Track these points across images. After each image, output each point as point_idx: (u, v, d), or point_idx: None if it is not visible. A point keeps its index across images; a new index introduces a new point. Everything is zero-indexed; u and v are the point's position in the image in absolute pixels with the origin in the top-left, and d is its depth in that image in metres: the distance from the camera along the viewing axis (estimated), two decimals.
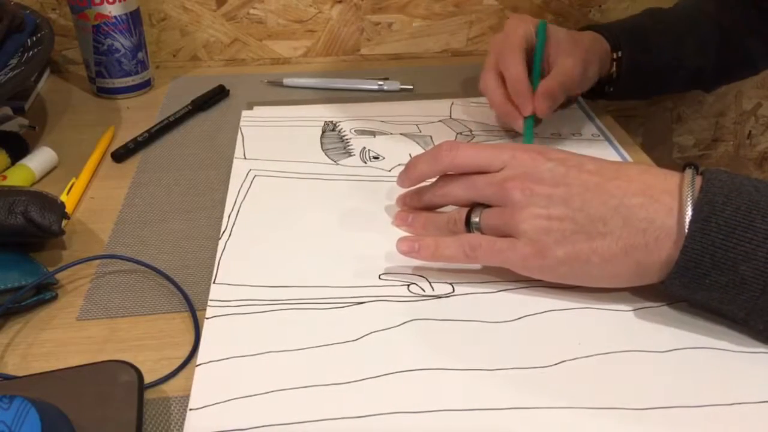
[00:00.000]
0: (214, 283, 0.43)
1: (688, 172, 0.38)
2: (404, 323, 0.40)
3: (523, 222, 0.40)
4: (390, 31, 0.77)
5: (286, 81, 0.71)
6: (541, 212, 0.40)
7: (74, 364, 0.35)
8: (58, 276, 0.44)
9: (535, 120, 0.55)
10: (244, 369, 0.37)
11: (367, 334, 0.39)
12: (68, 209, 0.48)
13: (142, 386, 0.34)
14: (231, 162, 0.57)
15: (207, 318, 0.40)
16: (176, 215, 0.51)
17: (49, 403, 0.30)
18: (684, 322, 0.40)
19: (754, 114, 0.93)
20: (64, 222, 0.45)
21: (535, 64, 0.57)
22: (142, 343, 0.40)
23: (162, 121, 0.62)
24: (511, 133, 0.61)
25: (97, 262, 0.46)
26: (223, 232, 0.48)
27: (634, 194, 0.38)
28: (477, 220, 0.43)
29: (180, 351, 0.39)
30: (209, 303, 0.41)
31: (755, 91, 0.91)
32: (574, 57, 0.57)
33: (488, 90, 0.58)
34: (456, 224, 0.44)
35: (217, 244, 0.47)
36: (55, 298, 0.43)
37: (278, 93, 0.70)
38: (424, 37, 0.78)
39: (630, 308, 0.41)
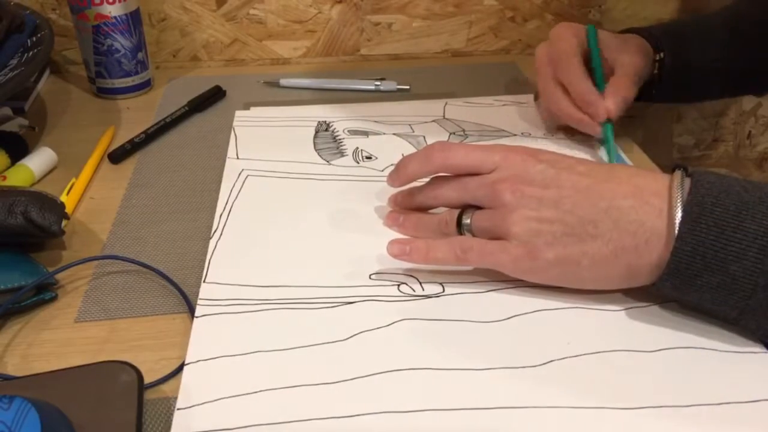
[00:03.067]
0: (204, 282, 0.43)
1: (677, 173, 0.38)
2: (394, 323, 0.40)
3: (514, 224, 0.40)
4: (390, 31, 0.77)
5: (283, 81, 0.71)
6: (532, 214, 0.40)
7: (74, 365, 0.35)
8: (58, 276, 0.44)
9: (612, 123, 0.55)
10: (232, 368, 0.37)
11: (356, 334, 0.39)
12: (68, 209, 0.48)
13: (142, 386, 0.34)
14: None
15: (196, 317, 0.40)
16: (174, 216, 0.51)
17: (49, 403, 0.30)
18: (673, 322, 0.40)
19: (754, 114, 0.93)
20: (64, 222, 0.45)
21: (596, 69, 0.56)
22: (142, 343, 0.40)
23: (158, 122, 0.62)
24: (504, 132, 0.61)
25: (96, 262, 0.46)
26: (214, 231, 0.48)
27: (625, 196, 0.38)
28: (468, 221, 0.43)
29: (180, 351, 0.39)
30: (199, 302, 0.41)
31: None
32: (631, 53, 0.57)
33: (555, 102, 0.57)
34: (447, 226, 0.44)
35: None
36: (54, 298, 0.43)
37: (275, 93, 0.70)
38: (424, 38, 0.78)
39: (619, 308, 0.41)
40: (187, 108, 0.65)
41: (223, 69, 0.76)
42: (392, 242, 0.43)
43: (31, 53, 0.57)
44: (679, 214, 0.36)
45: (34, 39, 0.59)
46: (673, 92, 0.62)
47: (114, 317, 0.41)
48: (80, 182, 0.54)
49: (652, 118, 0.91)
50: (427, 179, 0.47)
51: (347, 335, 0.39)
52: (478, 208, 0.43)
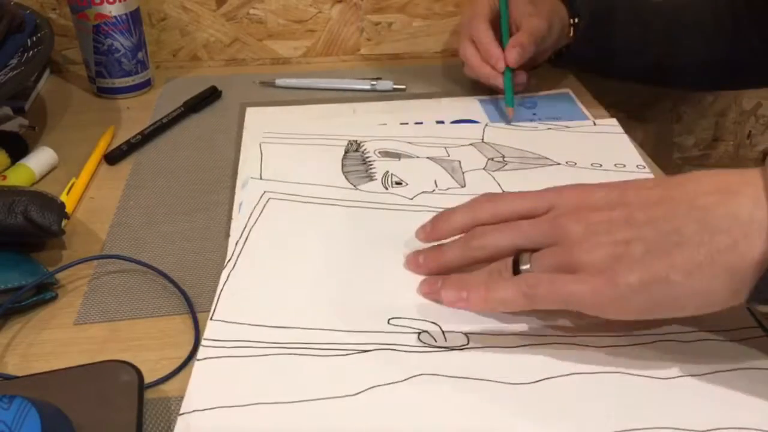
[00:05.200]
0: (210, 319, 0.40)
1: None
2: (410, 378, 0.36)
3: (585, 252, 0.35)
4: (390, 31, 0.77)
5: (279, 81, 0.71)
6: (604, 239, 0.35)
7: (74, 364, 0.35)
8: (58, 276, 0.44)
9: (512, 72, 0.62)
10: (231, 422, 0.34)
11: (368, 389, 0.36)
12: (68, 209, 0.48)
13: (142, 386, 0.34)
14: (224, 163, 0.57)
15: (198, 360, 0.38)
16: (172, 216, 0.51)
17: (49, 403, 0.30)
18: (732, 399, 0.35)
19: (754, 114, 0.93)
20: (63, 222, 0.45)
21: (503, 27, 0.63)
22: (142, 343, 0.40)
23: (154, 123, 0.62)
24: (547, 161, 0.57)
25: (96, 262, 0.46)
26: (228, 260, 0.45)
27: (707, 193, 0.34)
28: (528, 266, 0.37)
29: (180, 351, 0.39)
30: (202, 342, 0.39)
31: (755, 91, 0.91)
32: (538, 16, 0.62)
33: (468, 58, 0.64)
34: (501, 275, 0.38)
35: (213, 245, 0.47)
36: (55, 298, 0.43)
37: (271, 94, 0.70)
38: (424, 37, 0.78)
39: (671, 376, 0.37)
40: (183, 109, 0.65)
41: (223, 69, 0.76)
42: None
43: (31, 53, 0.57)
44: None
45: (34, 39, 0.59)
46: (583, 58, 0.67)
47: (114, 317, 0.41)
48: (80, 182, 0.54)
49: (652, 118, 0.91)
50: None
51: (358, 389, 0.36)
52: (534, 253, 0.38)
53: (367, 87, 0.70)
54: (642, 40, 0.65)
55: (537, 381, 0.36)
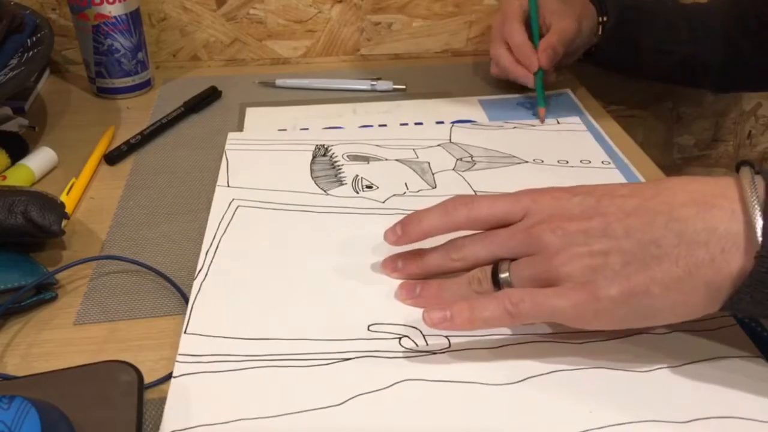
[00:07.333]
0: (184, 332, 0.39)
1: (745, 170, 0.33)
2: (394, 384, 0.36)
3: (563, 264, 0.35)
4: (390, 31, 0.77)
5: (279, 82, 0.71)
6: (582, 250, 0.35)
7: (74, 364, 0.35)
8: (58, 276, 0.44)
9: (544, 73, 0.63)
10: None
11: (352, 398, 0.35)
12: (68, 209, 0.48)
13: (142, 386, 0.34)
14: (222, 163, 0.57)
15: (174, 377, 0.36)
16: (172, 217, 0.51)
17: (49, 403, 0.30)
18: (710, 386, 0.36)
19: (754, 114, 0.93)
20: (63, 222, 0.45)
21: (533, 29, 0.64)
22: (142, 343, 0.40)
23: (154, 124, 0.62)
24: (514, 159, 0.60)
25: (96, 262, 0.46)
26: (199, 271, 0.44)
27: (684, 205, 0.33)
28: (506, 275, 0.38)
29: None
30: (177, 358, 0.37)
31: None
32: (568, 17, 0.63)
33: (500, 58, 0.65)
34: (481, 284, 0.39)
35: None
36: (54, 298, 0.43)
37: (271, 94, 0.70)
38: (424, 37, 0.78)
39: (649, 368, 0.37)
40: (182, 109, 0.65)
41: (223, 69, 0.76)
42: (429, 311, 0.37)
43: (31, 53, 0.57)
44: (758, 215, 0.31)
45: (34, 39, 0.59)
46: (610, 57, 0.69)
47: (114, 317, 0.41)
48: (80, 182, 0.54)
49: (652, 118, 0.91)
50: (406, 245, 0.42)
51: (342, 399, 0.35)
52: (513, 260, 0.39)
53: (367, 87, 0.70)
54: (668, 40, 0.67)
55: (520, 381, 0.36)
